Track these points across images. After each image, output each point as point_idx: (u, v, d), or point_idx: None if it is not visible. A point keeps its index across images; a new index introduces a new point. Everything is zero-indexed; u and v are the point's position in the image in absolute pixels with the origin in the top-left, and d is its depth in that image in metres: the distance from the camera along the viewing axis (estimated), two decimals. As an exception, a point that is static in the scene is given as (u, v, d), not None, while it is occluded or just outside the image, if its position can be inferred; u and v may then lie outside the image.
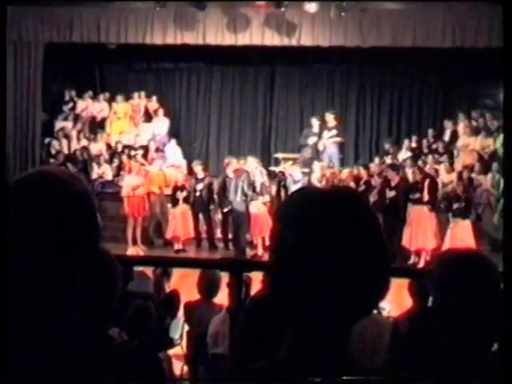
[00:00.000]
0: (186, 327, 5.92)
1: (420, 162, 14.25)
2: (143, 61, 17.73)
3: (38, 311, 1.24)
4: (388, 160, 14.57)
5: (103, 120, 16.47)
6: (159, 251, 12.76)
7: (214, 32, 14.30)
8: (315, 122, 14.95)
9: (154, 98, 16.72)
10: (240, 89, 17.93)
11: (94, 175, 14.91)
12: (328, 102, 17.33)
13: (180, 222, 12.95)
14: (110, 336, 2.65)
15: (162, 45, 14.67)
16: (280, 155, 15.72)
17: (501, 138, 14.95)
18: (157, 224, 13.75)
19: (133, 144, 15.74)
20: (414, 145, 15.67)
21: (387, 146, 15.88)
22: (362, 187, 12.72)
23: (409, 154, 15.21)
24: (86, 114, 16.40)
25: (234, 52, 15.24)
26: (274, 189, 13.30)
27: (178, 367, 5.60)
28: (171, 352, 5.71)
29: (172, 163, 14.90)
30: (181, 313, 5.94)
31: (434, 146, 15.41)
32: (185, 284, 6.91)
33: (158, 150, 15.27)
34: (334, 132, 14.91)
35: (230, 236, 13.02)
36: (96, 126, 16.39)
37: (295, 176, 13.54)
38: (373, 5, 13.73)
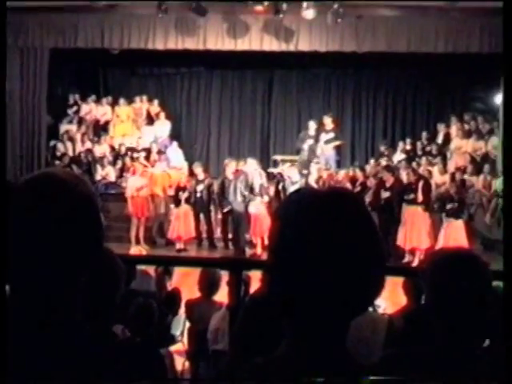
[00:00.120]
0: (187, 324, 5.92)
1: (414, 164, 14.28)
2: (145, 65, 17.75)
3: (43, 309, 1.24)
4: (383, 162, 14.57)
5: (106, 123, 16.47)
6: (161, 251, 12.75)
7: (215, 37, 14.31)
8: (312, 125, 14.95)
9: (156, 102, 16.73)
10: (239, 92, 17.94)
11: (98, 177, 14.92)
12: (325, 105, 17.36)
13: (182, 222, 12.96)
14: (113, 333, 2.64)
15: (164, 50, 14.68)
16: (278, 157, 15.74)
17: (492, 140, 14.98)
18: (159, 224, 13.75)
19: (135, 146, 15.74)
20: (408, 147, 15.68)
21: (382, 149, 15.90)
22: (358, 188, 12.73)
23: (403, 155, 15.22)
24: (90, 118, 16.40)
25: (233, 57, 15.25)
26: (272, 190, 13.30)
27: (180, 363, 5.59)
28: (173, 348, 5.70)
29: (174, 165, 14.90)
30: (182, 310, 5.93)
31: (428, 149, 15.43)
32: (186, 282, 6.90)
33: (159, 152, 15.27)
34: (332, 135, 14.91)
35: (230, 236, 13.02)
36: (100, 129, 16.39)
37: (293, 177, 13.55)
38: (368, 11, 13.74)
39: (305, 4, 12.62)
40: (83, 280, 1.29)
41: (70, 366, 1.21)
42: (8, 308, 1.25)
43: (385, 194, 12.35)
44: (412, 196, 12.12)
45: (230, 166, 13.20)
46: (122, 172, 14.92)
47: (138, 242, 12.88)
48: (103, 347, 1.31)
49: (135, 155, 14.99)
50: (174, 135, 16.54)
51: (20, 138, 15.22)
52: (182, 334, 6.03)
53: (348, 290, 1.16)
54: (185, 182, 13.53)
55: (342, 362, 1.19)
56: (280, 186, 13.24)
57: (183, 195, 13.06)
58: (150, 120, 16.55)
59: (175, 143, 15.93)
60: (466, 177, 14.02)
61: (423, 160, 14.32)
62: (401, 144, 15.85)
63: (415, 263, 11.63)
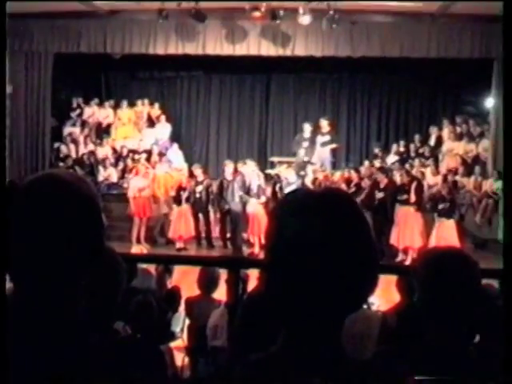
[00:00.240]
0: (187, 321, 5.92)
1: (407, 166, 14.29)
2: (146, 70, 17.74)
3: (46, 307, 1.23)
4: (377, 163, 14.58)
5: (109, 126, 16.46)
6: (161, 249, 12.74)
7: (214, 43, 14.32)
8: (307, 128, 14.95)
9: (157, 105, 16.71)
10: (238, 96, 17.94)
11: (101, 178, 14.92)
12: (320, 108, 17.36)
13: (182, 222, 12.96)
14: (115, 329, 2.64)
15: (164, 55, 14.68)
16: (275, 159, 15.74)
17: (483, 142, 15.00)
18: (161, 224, 13.74)
19: (137, 148, 15.73)
20: (401, 149, 15.69)
21: (376, 150, 15.91)
22: (353, 189, 12.73)
23: (397, 157, 15.23)
24: (93, 120, 16.38)
25: (232, 61, 15.25)
26: (269, 190, 13.30)
27: (180, 359, 5.59)
28: (173, 344, 5.70)
29: (174, 166, 14.90)
30: (182, 307, 5.93)
31: (421, 151, 15.43)
32: (186, 280, 6.89)
33: (160, 154, 15.25)
34: (328, 138, 14.91)
35: (228, 235, 13.03)
36: (102, 132, 16.38)
37: (290, 178, 13.56)
38: (362, 18, 13.76)
39: (301, 10, 12.62)
40: (86, 278, 1.29)
41: (73, 362, 1.21)
42: (9, 307, 1.24)
43: (379, 195, 12.36)
44: (405, 196, 12.13)
45: (229, 167, 13.23)
46: (123, 173, 14.92)
47: (139, 241, 12.88)
48: (106, 344, 1.31)
49: (136, 157, 14.98)
50: (175, 137, 16.53)
51: (25, 139, 15.23)
52: (181, 330, 6.03)
53: (342, 287, 1.16)
54: (185, 182, 13.53)
55: (337, 358, 1.19)
56: (277, 187, 13.24)
57: (184, 196, 13.07)
58: (151, 123, 16.54)
59: (175, 145, 15.92)
60: (457, 178, 14.04)
61: (416, 162, 14.34)
62: (394, 146, 15.86)
63: (408, 262, 11.64)
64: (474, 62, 14.09)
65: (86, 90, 17.12)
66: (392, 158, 15.24)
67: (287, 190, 12.25)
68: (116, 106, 16.52)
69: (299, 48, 14.24)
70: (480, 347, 2.43)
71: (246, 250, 12.67)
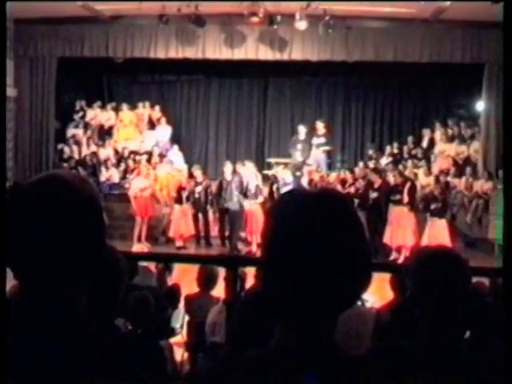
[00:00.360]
0: (187, 317, 5.91)
1: (400, 167, 14.30)
2: (147, 73, 17.72)
3: (49, 305, 1.23)
4: (371, 164, 14.59)
5: (111, 128, 16.44)
6: (162, 248, 12.74)
7: (213, 47, 14.32)
8: (302, 130, 14.94)
9: (157, 108, 16.69)
10: (236, 99, 17.93)
11: (103, 178, 14.90)
12: (317, 111, 17.35)
13: (183, 222, 12.97)
14: (116, 326, 2.64)
15: (165, 59, 14.68)
16: (273, 160, 15.74)
17: (474, 144, 15.02)
18: (162, 223, 13.73)
19: (138, 150, 15.72)
20: (395, 151, 15.69)
21: (371, 152, 15.93)
22: (347, 189, 12.73)
23: (390, 159, 15.24)
24: (95, 122, 16.36)
25: (230, 65, 15.24)
26: (266, 190, 13.30)
27: (179, 354, 5.58)
28: (173, 340, 5.69)
29: (175, 167, 14.89)
30: (181, 304, 5.93)
31: (414, 152, 15.44)
32: (185, 278, 6.89)
33: (161, 155, 15.25)
34: (323, 140, 14.91)
35: (227, 234, 13.03)
36: (104, 133, 16.36)
37: (286, 179, 13.58)
38: (357, 23, 13.77)
39: (298, 16, 12.63)
40: (88, 276, 1.29)
41: (76, 358, 1.21)
42: (14, 304, 1.24)
43: (373, 195, 12.37)
44: (398, 197, 12.14)
45: (228, 168, 13.25)
46: (125, 174, 14.91)
47: (140, 240, 12.87)
48: (107, 339, 1.31)
49: (138, 158, 14.97)
50: (175, 139, 16.51)
51: (29, 141, 15.23)
52: (181, 326, 6.03)
53: (336, 284, 1.16)
54: (185, 183, 13.53)
55: (332, 354, 1.19)
56: (274, 187, 13.25)
57: (184, 196, 13.08)
58: (152, 125, 16.52)
59: (176, 147, 15.91)
60: (449, 179, 14.07)
61: (409, 163, 14.35)
62: (388, 148, 15.87)
63: (401, 260, 11.65)
64: (465, 66, 14.11)
65: (89, 93, 17.10)
66: (386, 160, 15.25)
67: (284, 190, 12.25)
68: (118, 109, 16.50)
69: (296, 52, 14.25)
70: (471, 343, 2.43)
71: (243, 249, 12.67)
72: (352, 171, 13.80)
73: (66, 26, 14.33)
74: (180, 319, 6.02)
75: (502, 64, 13.61)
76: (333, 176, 13.84)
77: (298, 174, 13.87)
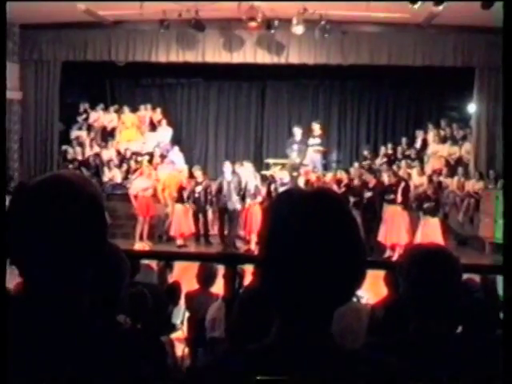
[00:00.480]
0: (187, 314, 5.91)
1: (395, 167, 14.30)
2: (149, 77, 17.72)
3: (53, 301, 1.23)
4: (366, 165, 14.58)
5: (113, 129, 16.43)
6: (163, 246, 12.74)
7: (212, 51, 14.32)
8: (297, 131, 14.93)
9: (159, 110, 16.68)
10: (235, 101, 17.94)
11: (105, 178, 14.89)
12: (313, 113, 17.35)
13: (183, 221, 12.97)
14: (118, 322, 2.64)
15: (166, 62, 14.68)
16: (270, 160, 15.73)
17: (465, 145, 15.04)
18: (163, 222, 13.73)
19: (140, 151, 15.71)
20: (389, 151, 15.71)
21: (366, 153, 15.94)
22: (343, 189, 12.73)
23: (385, 159, 15.26)
24: (98, 124, 16.35)
25: (229, 69, 15.24)
26: (264, 190, 13.30)
27: (180, 349, 5.58)
28: (174, 336, 5.69)
29: (175, 168, 14.89)
30: (182, 301, 5.92)
31: (407, 153, 15.45)
32: (186, 275, 6.88)
33: (162, 156, 15.25)
34: (318, 141, 14.91)
35: (226, 232, 13.03)
36: (107, 135, 16.35)
37: (284, 179, 13.58)
38: (352, 28, 13.77)
39: (295, 21, 12.63)
40: (90, 273, 1.29)
41: (79, 355, 1.21)
42: (17, 301, 1.24)
43: (367, 194, 12.37)
44: (392, 196, 12.14)
45: (228, 168, 13.26)
46: (127, 174, 14.90)
47: (141, 238, 12.87)
48: (110, 335, 1.31)
49: (139, 159, 14.97)
50: (175, 140, 16.51)
51: (34, 142, 15.22)
52: (182, 322, 6.03)
53: (332, 281, 1.17)
54: (186, 183, 13.53)
55: (328, 348, 1.19)
56: (272, 187, 13.25)
57: (184, 196, 13.08)
58: (153, 126, 16.52)
59: (176, 148, 15.90)
60: (441, 179, 14.08)
61: (403, 163, 14.35)
62: (382, 148, 15.88)
63: (395, 258, 11.65)
64: (457, 70, 14.12)
65: (92, 96, 17.09)
66: (380, 160, 15.26)
67: (281, 190, 12.25)
68: (120, 111, 16.49)
69: (293, 56, 14.26)
70: (462, 337, 2.43)
71: (242, 247, 12.68)
72: (347, 171, 13.80)
73: (70, 31, 14.32)
74: (180, 315, 6.02)
75: (492, 67, 13.67)
76: (329, 176, 13.83)
77: (295, 174, 13.87)
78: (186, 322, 5.85)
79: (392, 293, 4.89)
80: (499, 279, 4.67)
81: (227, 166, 13.29)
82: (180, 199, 13.08)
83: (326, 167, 15.36)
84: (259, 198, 12.76)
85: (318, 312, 1.19)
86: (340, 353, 1.20)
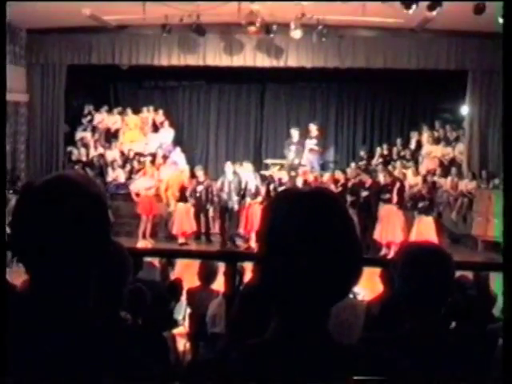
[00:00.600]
0: (189, 310, 5.91)
1: (390, 167, 14.30)
2: (151, 80, 17.71)
3: (58, 296, 1.23)
4: (362, 165, 14.57)
5: (117, 131, 16.42)
6: (165, 244, 12.73)
7: (213, 55, 14.31)
8: (294, 133, 14.91)
9: (161, 112, 16.67)
10: (235, 103, 17.93)
11: (109, 178, 14.88)
12: (311, 115, 17.33)
13: (185, 219, 12.96)
14: (122, 318, 2.64)
15: (168, 66, 14.66)
16: (269, 161, 15.73)
17: (458, 146, 15.04)
18: (165, 221, 13.73)
19: (143, 151, 15.70)
20: (385, 152, 15.70)
21: (362, 153, 15.93)
22: (340, 188, 12.72)
23: (380, 160, 15.25)
24: (102, 126, 16.34)
25: (229, 72, 15.22)
26: (264, 190, 13.29)
27: (182, 344, 5.58)
28: (176, 331, 5.69)
29: (178, 168, 14.88)
30: (184, 297, 5.92)
31: (402, 153, 15.45)
32: (187, 272, 6.88)
33: (164, 156, 15.24)
34: (314, 141, 14.89)
35: (226, 231, 13.03)
36: (111, 136, 16.33)
37: (282, 179, 13.58)
38: (349, 32, 13.76)
39: (293, 25, 12.62)
40: (94, 271, 1.29)
41: (83, 350, 1.20)
42: (24, 298, 1.24)
43: (363, 194, 12.37)
44: (388, 196, 12.14)
45: (230, 168, 13.27)
46: (130, 174, 14.89)
47: (144, 236, 12.86)
48: (114, 330, 1.31)
49: (142, 159, 14.96)
50: (177, 141, 16.50)
51: (40, 144, 15.21)
52: (183, 318, 6.02)
53: (329, 278, 1.17)
54: (187, 183, 13.53)
55: (325, 343, 1.19)
56: (271, 187, 13.24)
57: (187, 195, 13.09)
58: (156, 128, 16.51)
59: (178, 148, 15.89)
60: (435, 179, 14.07)
61: (398, 164, 14.34)
62: (378, 149, 15.88)
63: (391, 255, 11.64)
64: (450, 73, 14.12)
65: (97, 99, 17.08)
66: (376, 160, 15.26)
67: (280, 189, 12.25)
68: (123, 113, 16.48)
69: (291, 60, 14.25)
70: (456, 332, 2.43)
71: (242, 245, 12.68)
72: (344, 171, 13.79)
73: (75, 36, 14.31)
74: (182, 311, 6.02)
75: (484, 70, 13.68)
76: (326, 176, 13.82)
77: (293, 174, 13.87)
78: (187, 318, 5.85)
79: (387, 289, 4.89)
80: (491, 276, 4.67)
81: (229, 166, 13.32)
82: (182, 198, 13.08)
83: (323, 167, 15.35)
84: (259, 198, 12.77)
85: (316, 308, 1.19)
86: (337, 348, 1.21)
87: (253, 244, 12.31)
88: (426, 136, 15.48)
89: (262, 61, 14.31)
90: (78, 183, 1.27)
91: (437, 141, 15.33)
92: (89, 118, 16.39)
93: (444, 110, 16.74)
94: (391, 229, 11.98)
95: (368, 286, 5.42)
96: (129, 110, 16.37)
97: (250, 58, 14.26)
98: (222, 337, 4.15)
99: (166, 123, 16.32)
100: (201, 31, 13.12)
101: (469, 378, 1.89)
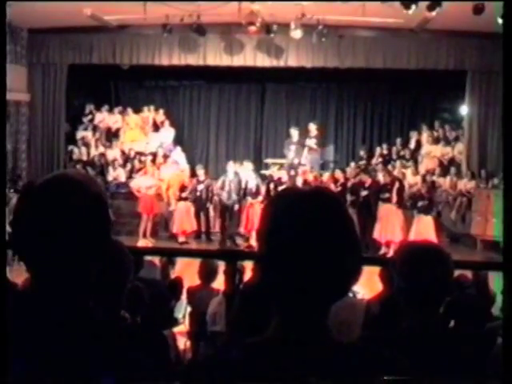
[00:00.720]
0: (189, 308, 5.91)
1: (390, 167, 14.30)
2: (152, 79, 17.70)
3: (59, 295, 1.23)
4: (362, 165, 14.57)
5: (118, 130, 16.41)
6: (165, 243, 12.73)
7: (213, 54, 14.31)
8: (294, 132, 14.90)
9: (161, 111, 16.67)
10: (235, 103, 17.93)
11: (110, 178, 14.87)
12: (311, 114, 17.33)
13: (186, 218, 12.97)
14: (122, 317, 2.64)
15: (168, 65, 14.67)
16: (269, 160, 15.73)
17: (458, 146, 15.04)
18: (165, 220, 13.73)
19: (143, 151, 15.69)
20: (384, 152, 15.70)
21: (362, 153, 15.93)
22: (339, 188, 12.72)
23: (380, 159, 15.24)
24: (103, 125, 16.34)
25: (230, 72, 15.22)
26: (264, 189, 13.29)
27: (182, 342, 5.58)
28: (176, 329, 5.69)
29: (179, 167, 14.88)
30: (184, 296, 5.93)
31: (402, 153, 15.44)
32: (187, 271, 6.88)
33: (165, 156, 15.24)
34: (314, 141, 14.89)
35: (226, 230, 13.03)
36: (111, 135, 16.33)
37: (282, 178, 13.57)
38: (349, 32, 13.76)
39: (293, 25, 12.62)
40: (95, 269, 1.29)
41: (84, 348, 1.20)
42: (25, 296, 1.24)
43: (363, 193, 12.37)
44: (387, 195, 12.15)
45: (231, 167, 13.28)
46: (131, 173, 14.89)
47: (145, 235, 12.87)
48: (115, 329, 1.31)
49: (143, 158, 14.96)
50: (178, 141, 16.50)
51: (41, 143, 15.22)
52: (184, 316, 6.03)
53: (329, 277, 1.17)
54: (188, 182, 13.54)
55: (325, 341, 1.19)
56: (271, 186, 13.25)
57: (187, 194, 13.09)
58: (156, 127, 16.51)
59: (178, 148, 15.90)
60: (434, 178, 14.07)
61: (397, 163, 14.35)
62: (378, 149, 15.87)
63: (390, 254, 11.64)
64: (450, 73, 14.12)
65: (97, 98, 17.07)
66: (376, 160, 15.25)
67: (280, 189, 12.25)
68: (124, 112, 16.47)
69: (291, 59, 14.25)
70: (455, 331, 2.43)
71: (243, 244, 12.68)
72: (344, 171, 13.79)
73: (76, 35, 14.31)
74: (182, 310, 6.02)
75: (483, 70, 13.68)
76: (326, 176, 13.82)
77: (293, 173, 13.87)
78: (187, 317, 5.85)
79: (387, 288, 4.89)
80: (490, 275, 4.67)
81: (230, 166, 13.34)
82: (182, 197, 13.08)
83: (323, 167, 15.34)
84: (260, 197, 12.77)
85: (316, 306, 1.19)
86: (337, 346, 1.21)
87: (253, 243, 12.32)
88: (425, 136, 15.48)
89: (262, 61, 14.31)
90: (79, 182, 1.27)
91: (436, 140, 15.34)
92: (90, 117, 16.38)
93: (443, 109, 16.75)
94: (390, 228, 11.98)
95: (367, 285, 5.42)
96: (129, 110, 16.37)
97: (250, 57, 14.26)
98: (222, 335, 4.15)
99: (167, 123, 16.32)
100: (201, 31, 13.12)
101: (468, 376, 1.89)
